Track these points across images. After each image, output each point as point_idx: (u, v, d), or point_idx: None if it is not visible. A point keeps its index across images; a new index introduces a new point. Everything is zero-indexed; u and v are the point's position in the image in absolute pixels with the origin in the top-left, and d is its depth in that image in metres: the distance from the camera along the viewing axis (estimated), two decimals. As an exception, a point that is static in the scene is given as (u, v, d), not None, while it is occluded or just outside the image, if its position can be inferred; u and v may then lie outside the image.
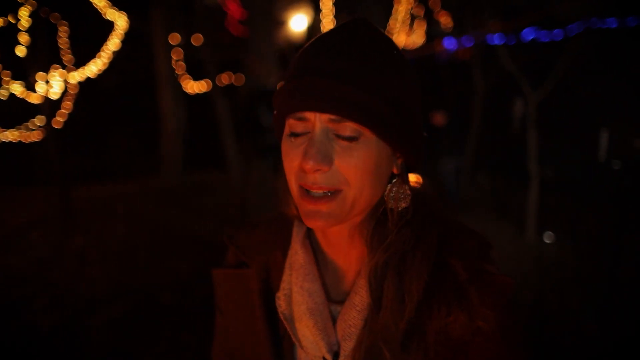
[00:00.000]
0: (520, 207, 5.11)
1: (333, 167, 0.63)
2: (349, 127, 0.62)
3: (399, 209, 0.69)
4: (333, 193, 0.64)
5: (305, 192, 0.65)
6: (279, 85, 0.69)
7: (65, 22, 5.99)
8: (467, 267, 0.66)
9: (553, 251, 4.84)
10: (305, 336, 0.71)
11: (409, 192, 0.69)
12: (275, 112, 0.69)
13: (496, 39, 6.60)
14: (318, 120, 0.63)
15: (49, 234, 5.48)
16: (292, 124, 0.66)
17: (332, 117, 0.62)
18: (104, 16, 6.15)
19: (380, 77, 0.63)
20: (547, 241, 5.07)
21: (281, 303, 0.74)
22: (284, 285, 0.75)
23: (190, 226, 5.74)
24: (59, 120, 6.16)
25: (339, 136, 0.63)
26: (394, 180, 0.70)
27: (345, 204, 0.65)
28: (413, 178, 0.74)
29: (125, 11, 6.23)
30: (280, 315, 0.74)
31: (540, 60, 6.29)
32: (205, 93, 7.96)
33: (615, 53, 7.74)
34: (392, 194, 0.69)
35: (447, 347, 0.64)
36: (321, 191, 0.64)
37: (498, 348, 0.66)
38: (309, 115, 0.63)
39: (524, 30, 8.59)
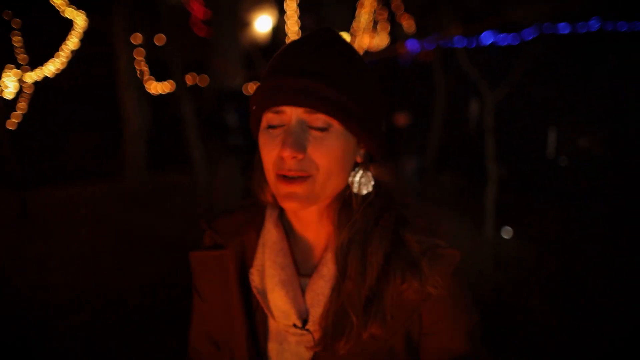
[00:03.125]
0: (480, 204, 5.31)
1: (306, 155, 0.72)
2: (320, 119, 0.71)
3: (362, 193, 0.78)
4: (305, 177, 0.72)
5: (282, 177, 0.73)
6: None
7: (18, 19, 5.79)
8: (420, 242, 0.77)
9: (511, 246, 5.06)
10: (277, 306, 0.78)
11: (371, 178, 0.79)
12: (253, 107, 0.77)
13: (456, 42, 6.82)
14: (294, 113, 0.72)
15: (7, 240, 5.28)
16: (269, 117, 0.74)
17: (307, 109, 0.71)
18: (62, 14, 5.98)
19: (346, 76, 0.73)
20: (506, 237, 5.28)
21: (254, 278, 0.81)
22: (257, 262, 0.82)
23: (156, 228, 5.66)
24: (13, 121, 5.94)
25: (311, 127, 0.72)
26: (357, 168, 0.79)
27: (315, 187, 0.73)
28: (385, 174, 0.83)
29: (85, 10, 6.08)
30: (254, 289, 0.81)
31: (497, 63, 6.56)
32: (169, 94, 7.85)
33: (563, 57, 8.17)
34: (356, 180, 0.78)
35: (402, 310, 0.75)
36: (295, 175, 0.72)
37: (447, 310, 0.78)
38: (286, 108, 0.72)
39: (483, 34, 8.91)
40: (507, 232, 5.34)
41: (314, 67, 0.71)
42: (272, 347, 0.83)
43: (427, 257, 0.75)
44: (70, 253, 4.89)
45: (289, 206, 0.75)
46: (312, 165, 0.72)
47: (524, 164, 6.85)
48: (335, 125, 0.72)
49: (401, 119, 6.52)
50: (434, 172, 8.00)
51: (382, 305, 0.74)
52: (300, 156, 0.71)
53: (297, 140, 0.71)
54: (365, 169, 0.79)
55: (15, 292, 3.99)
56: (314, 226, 0.81)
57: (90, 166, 8.57)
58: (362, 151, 0.79)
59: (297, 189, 0.72)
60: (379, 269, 0.75)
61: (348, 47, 0.77)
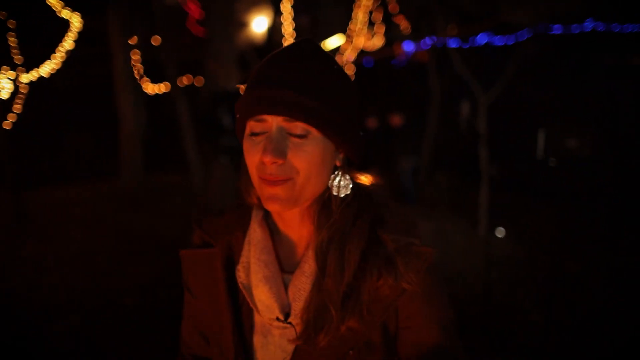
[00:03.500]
0: (475, 204, 5.36)
1: (287, 160, 0.76)
2: (299, 127, 0.76)
3: (341, 195, 0.82)
4: (285, 180, 0.77)
5: (264, 180, 0.78)
6: (241, 89, 0.81)
7: (13, 20, 5.79)
8: (395, 241, 0.81)
9: (504, 245, 5.11)
10: (261, 301, 0.83)
11: (349, 181, 0.83)
12: (238, 116, 0.82)
13: (451, 44, 6.87)
14: (274, 122, 0.76)
15: (4, 240, 5.29)
16: (252, 125, 0.78)
17: (286, 118, 0.75)
18: (58, 14, 5.99)
19: (324, 86, 0.77)
20: (499, 236, 5.34)
21: (241, 274, 0.86)
22: (243, 259, 0.87)
23: (153, 228, 5.68)
24: (9, 122, 5.94)
25: (291, 134, 0.76)
26: (337, 172, 0.83)
27: (295, 189, 0.78)
28: (364, 178, 0.88)
29: (81, 11, 6.09)
30: (240, 285, 0.86)
31: (490, 64, 6.62)
32: (165, 94, 7.87)
33: (553, 59, 8.25)
34: (335, 183, 0.83)
35: (378, 305, 0.80)
36: (276, 179, 0.77)
37: (422, 305, 0.81)
38: (267, 117, 0.76)
39: (478, 36, 8.97)
40: (500, 232, 5.41)
41: (293, 78, 0.76)
42: (258, 340, 0.87)
43: (401, 254, 0.79)
44: (68, 253, 4.91)
45: (271, 207, 0.79)
46: (292, 169, 0.76)
47: (515, 165, 6.94)
48: (314, 132, 0.77)
49: (396, 120, 6.57)
50: (430, 172, 8.05)
51: (359, 301, 0.78)
52: (280, 161, 0.75)
53: (278, 147, 0.75)
54: (344, 173, 0.83)
55: (13, 292, 4.01)
56: (296, 226, 0.86)
57: (86, 167, 8.58)
58: (341, 156, 0.83)
59: (279, 191, 0.77)
60: (356, 266, 0.79)
61: (327, 57, 0.81)
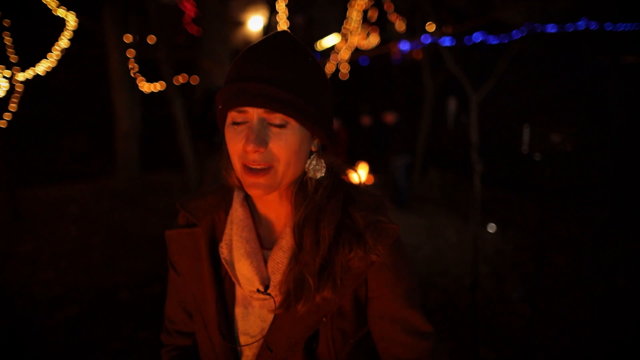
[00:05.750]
0: (467, 200, 5.42)
1: (268, 148, 0.83)
2: (278, 117, 0.83)
3: (316, 177, 0.90)
4: (267, 168, 0.84)
5: (248, 168, 0.84)
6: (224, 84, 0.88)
7: (7, 19, 5.82)
8: (365, 218, 0.90)
9: (493, 240, 5.18)
10: (243, 274, 0.91)
11: (324, 165, 0.91)
12: (220, 107, 0.87)
13: (444, 42, 6.92)
14: (255, 113, 0.83)
15: (-1, 237, 5.33)
16: (234, 115, 0.85)
17: (266, 110, 0.82)
18: (53, 13, 6.01)
19: (300, 79, 0.84)
20: (491, 231, 5.42)
21: (224, 250, 0.94)
22: (226, 237, 0.95)
23: (146, 226, 5.72)
24: (4, 120, 5.97)
25: (271, 124, 0.83)
26: (312, 156, 0.91)
27: (277, 176, 0.85)
28: (329, 158, 0.95)
29: (77, 10, 6.12)
30: (223, 260, 0.93)
31: (482, 62, 6.68)
32: (161, 93, 7.89)
33: (547, 57, 8.34)
34: (311, 167, 0.90)
35: (350, 276, 0.88)
36: (259, 167, 0.83)
37: (388, 276, 0.90)
38: (248, 108, 0.83)
39: (474, 35, 9.03)
40: (491, 228, 5.48)
41: (271, 73, 0.82)
42: (239, 311, 0.95)
43: (370, 230, 0.88)
44: (64, 250, 4.94)
45: (253, 193, 0.86)
46: (273, 157, 0.83)
47: (503, 160, 7.05)
48: (292, 122, 0.83)
49: (390, 117, 6.62)
50: (423, 168, 8.11)
51: (333, 272, 0.86)
52: (262, 150, 0.82)
53: (259, 136, 0.82)
54: (319, 156, 0.91)
55: (9, 288, 4.04)
56: (275, 206, 0.93)
57: (82, 165, 8.61)
58: (315, 142, 0.91)
59: (261, 179, 0.84)
60: (330, 240, 0.87)
61: (302, 50, 0.88)
